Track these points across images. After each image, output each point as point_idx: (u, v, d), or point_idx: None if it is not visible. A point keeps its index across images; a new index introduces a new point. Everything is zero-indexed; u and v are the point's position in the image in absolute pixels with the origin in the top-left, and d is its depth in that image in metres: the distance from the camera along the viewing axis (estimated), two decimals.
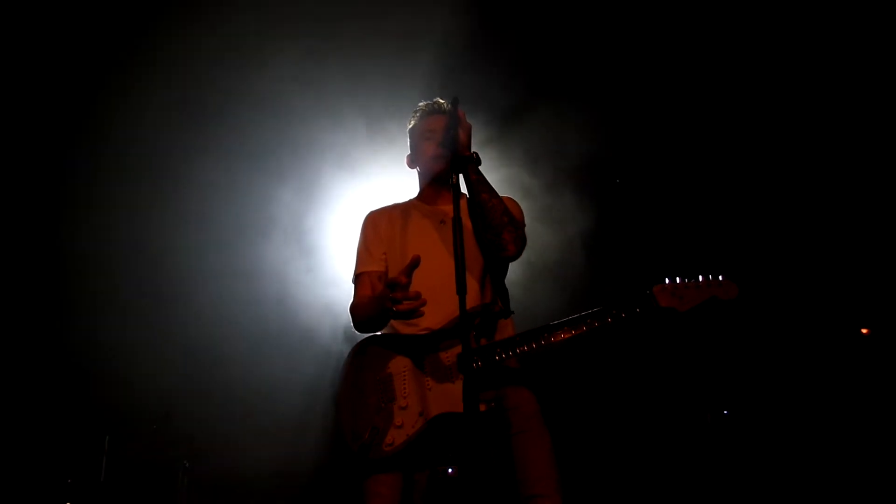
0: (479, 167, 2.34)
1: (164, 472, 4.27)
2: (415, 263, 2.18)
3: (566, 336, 2.18)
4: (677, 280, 2.17)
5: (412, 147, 2.64)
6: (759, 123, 4.61)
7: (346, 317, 2.53)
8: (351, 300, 2.51)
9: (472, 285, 2.32)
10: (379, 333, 2.46)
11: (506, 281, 2.51)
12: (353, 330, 2.51)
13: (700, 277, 2.17)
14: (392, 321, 2.45)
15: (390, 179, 4.26)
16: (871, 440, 4.36)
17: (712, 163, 4.70)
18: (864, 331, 4.84)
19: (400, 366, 2.29)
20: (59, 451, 4.32)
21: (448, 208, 2.13)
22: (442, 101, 2.55)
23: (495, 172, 3.88)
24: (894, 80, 4.31)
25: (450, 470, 2.30)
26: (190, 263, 4.51)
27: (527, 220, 2.59)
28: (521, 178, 4.18)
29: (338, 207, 4.57)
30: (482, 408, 2.09)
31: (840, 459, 4.33)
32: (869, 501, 4.12)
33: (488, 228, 2.30)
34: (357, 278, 2.52)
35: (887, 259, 4.60)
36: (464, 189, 2.30)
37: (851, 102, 4.45)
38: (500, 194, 2.37)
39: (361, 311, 2.44)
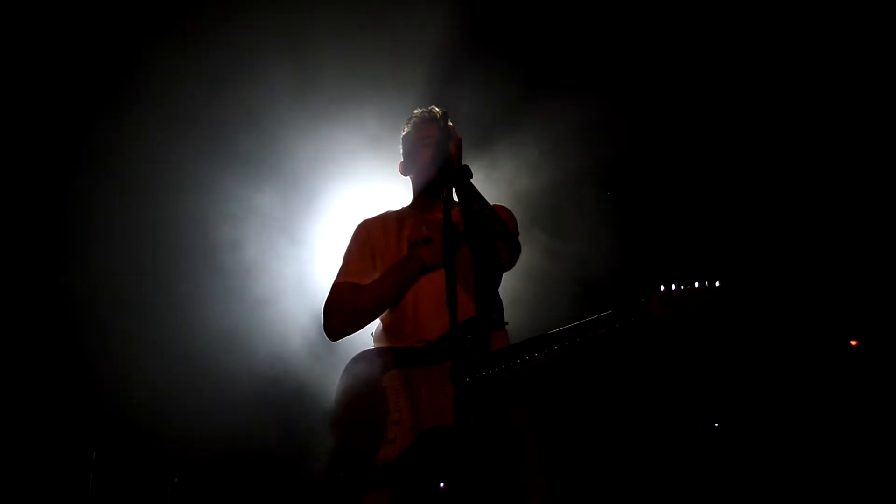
0: (471, 179, 2.33)
1: (152, 488, 4.22)
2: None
3: (560, 347, 2.17)
4: (672, 287, 2.16)
5: (405, 154, 2.64)
6: (757, 131, 4.65)
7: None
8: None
9: (466, 297, 2.31)
10: (372, 347, 2.45)
11: (500, 291, 2.50)
12: (341, 341, 2.50)
13: (696, 284, 2.15)
14: (384, 333, 2.44)
15: (382, 187, 4.25)
16: (861, 453, 4.37)
17: (706, 170, 4.72)
18: (852, 343, 4.86)
19: (393, 379, 2.28)
20: (46, 466, 4.26)
21: (441, 215, 2.13)
22: (437, 108, 2.55)
23: (487, 180, 3.89)
24: (888, 91, 4.36)
25: (442, 484, 2.27)
26: (178, 277, 4.48)
27: (520, 228, 2.59)
28: (515, 184, 4.19)
29: (329, 215, 4.56)
30: (473, 421, 2.08)
31: (831, 472, 4.33)
32: None
33: (481, 238, 2.29)
34: (337, 285, 2.51)
35: (879, 271, 4.64)
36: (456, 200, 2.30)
37: (844, 116, 4.50)
38: (494, 203, 2.38)
39: (339, 309, 2.43)
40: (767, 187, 4.73)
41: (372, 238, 2.57)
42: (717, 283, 2.14)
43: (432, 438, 2.15)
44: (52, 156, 4.45)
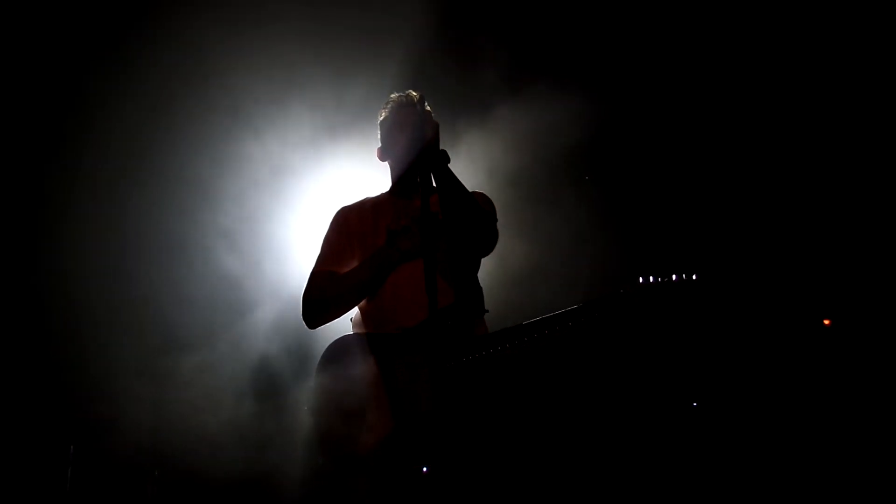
0: (448, 164, 2.32)
1: (132, 481, 4.18)
2: None
3: (539, 336, 2.18)
4: (651, 279, 2.17)
5: (383, 139, 2.62)
6: (742, 122, 4.68)
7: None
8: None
9: (444, 283, 2.31)
10: (351, 333, 2.45)
11: (481, 280, 2.50)
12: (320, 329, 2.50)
13: (674, 276, 2.16)
14: (363, 320, 2.44)
15: (359, 173, 4.23)
16: (838, 432, 4.45)
17: (688, 161, 4.75)
18: (825, 322, 4.92)
19: (372, 366, 2.28)
20: (23, 461, 4.20)
21: (419, 203, 2.13)
22: (414, 93, 2.53)
23: (465, 165, 3.87)
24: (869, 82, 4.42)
25: (424, 469, 2.28)
26: (154, 269, 4.42)
27: (498, 217, 2.59)
28: (493, 171, 4.18)
29: (306, 202, 4.52)
30: (453, 407, 2.09)
31: (809, 453, 4.41)
32: (841, 496, 4.19)
33: (458, 224, 2.29)
34: (315, 273, 2.50)
35: (852, 251, 4.71)
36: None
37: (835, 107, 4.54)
38: (473, 189, 2.37)
39: (317, 298, 2.44)
40: (742, 174, 4.78)
41: (350, 225, 2.56)
42: (695, 276, 2.16)
43: (412, 424, 2.16)
44: (29, 151, 4.37)
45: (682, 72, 4.63)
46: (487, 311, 2.39)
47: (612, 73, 4.59)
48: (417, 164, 2.17)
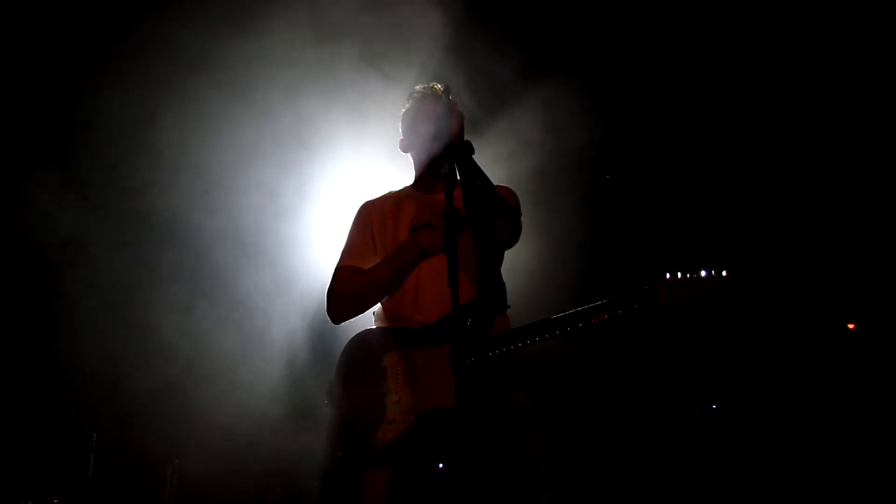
0: (472, 155, 2.30)
1: (152, 469, 4.23)
2: None
3: (561, 332, 2.15)
4: (678, 275, 2.12)
5: (406, 130, 2.60)
6: (758, 117, 4.62)
7: None
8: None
9: (467, 278, 2.28)
10: (373, 327, 2.44)
11: (503, 274, 2.48)
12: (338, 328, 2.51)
13: (703, 272, 2.11)
14: (384, 314, 2.43)
15: (381, 165, 4.22)
16: (858, 435, 4.38)
17: (711, 155, 4.70)
18: (850, 326, 4.86)
19: (393, 360, 2.27)
20: (47, 448, 4.27)
21: (442, 197, 2.11)
22: (439, 85, 2.52)
23: (487, 161, 3.86)
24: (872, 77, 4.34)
25: (441, 465, 2.27)
26: (173, 262, 4.47)
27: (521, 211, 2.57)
28: (516, 167, 4.16)
29: (329, 196, 4.54)
30: (475, 403, 2.07)
31: (829, 455, 4.34)
32: (858, 497, 4.13)
33: (481, 216, 2.27)
34: (339, 269, 2.50)
35: (878, 256, 4.63)
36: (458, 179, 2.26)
37: (845, 100, 4.46)
38: (496, 184, 2.35)
39: (341, 294, 2.44)
40: (767, 176, 4.72)
41: (373, 220, 2.55)
42: (724, 273, 2.10)
43: (431, 420, 2.15)
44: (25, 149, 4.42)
45: (705, 73, 4.58)
46: (510, 306, 2.37)
47: (630, 72, 4.56)
48: (442, 156, 2.16)
